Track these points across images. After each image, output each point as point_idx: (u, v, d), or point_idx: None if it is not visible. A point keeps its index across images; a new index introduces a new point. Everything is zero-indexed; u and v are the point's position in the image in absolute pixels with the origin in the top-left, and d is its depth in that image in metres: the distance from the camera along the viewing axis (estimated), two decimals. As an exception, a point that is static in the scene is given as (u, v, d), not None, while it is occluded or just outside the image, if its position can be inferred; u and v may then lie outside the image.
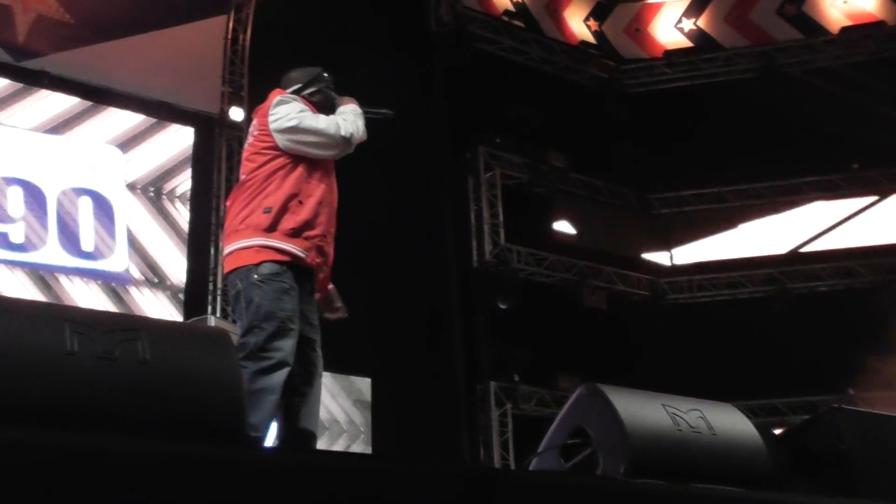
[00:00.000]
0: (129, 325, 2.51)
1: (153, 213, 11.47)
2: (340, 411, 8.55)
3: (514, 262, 14.18)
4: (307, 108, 4.46)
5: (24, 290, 10.16)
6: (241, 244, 4.26)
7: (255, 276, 4.16)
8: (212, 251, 11.77)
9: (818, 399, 12.92)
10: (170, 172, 11.72)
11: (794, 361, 13.54)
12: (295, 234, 4.25)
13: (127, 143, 11.44)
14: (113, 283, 10.83)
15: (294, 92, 4.58)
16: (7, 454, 2.02)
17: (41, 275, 10.37)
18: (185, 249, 11.45)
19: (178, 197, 11.68)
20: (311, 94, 4.61)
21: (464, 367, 13.05)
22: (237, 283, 4.23)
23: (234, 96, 12.52)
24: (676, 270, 15.52)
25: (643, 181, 15.66)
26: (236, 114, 12.34)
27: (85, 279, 10.65)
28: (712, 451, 3.17)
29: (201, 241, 11.68)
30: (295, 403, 4.21)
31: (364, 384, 8.86)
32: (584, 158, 15.37)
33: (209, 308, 11.26)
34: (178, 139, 11.91)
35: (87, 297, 10.56)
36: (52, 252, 10.46)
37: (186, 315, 10.99)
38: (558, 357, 13.39)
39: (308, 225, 4.30)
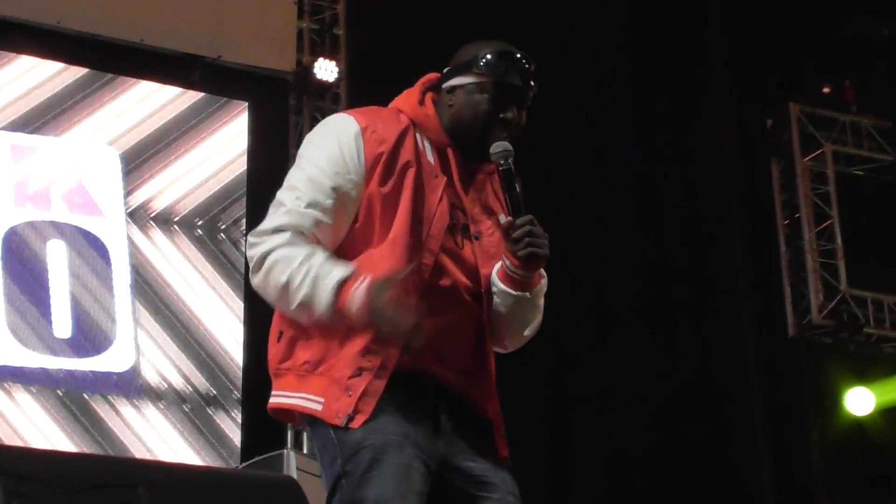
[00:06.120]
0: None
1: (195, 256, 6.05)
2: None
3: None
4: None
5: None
6: None
7: None
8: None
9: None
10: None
11: None
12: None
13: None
14: (109, 395, 5.41)
15: (438, 82, 2.09)
16: None
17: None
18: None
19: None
20: (448, 90, 2.05)
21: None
22: None
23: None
24: None
25: None
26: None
27: (51, 387, 5.25)
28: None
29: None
30: None
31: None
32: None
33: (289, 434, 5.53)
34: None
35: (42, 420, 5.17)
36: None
37: (247, 444, 5.59)
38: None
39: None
